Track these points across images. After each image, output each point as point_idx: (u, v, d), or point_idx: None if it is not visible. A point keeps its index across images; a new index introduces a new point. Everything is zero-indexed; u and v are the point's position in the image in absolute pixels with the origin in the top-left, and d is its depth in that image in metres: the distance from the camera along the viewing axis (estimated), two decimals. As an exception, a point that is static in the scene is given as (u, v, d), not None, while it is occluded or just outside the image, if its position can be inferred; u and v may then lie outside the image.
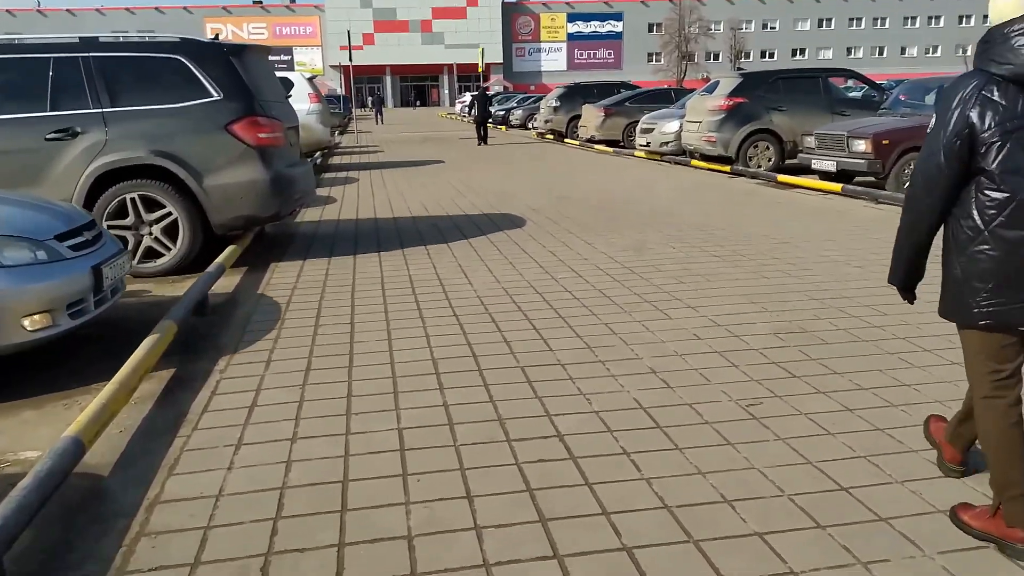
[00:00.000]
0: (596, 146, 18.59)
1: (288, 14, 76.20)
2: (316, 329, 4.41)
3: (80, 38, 5.92)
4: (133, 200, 5.77)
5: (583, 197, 9.92)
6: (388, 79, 74.83)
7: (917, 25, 78.80)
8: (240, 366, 3.85)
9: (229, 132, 5.87)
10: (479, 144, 20.95)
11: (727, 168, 12.08)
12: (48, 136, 5.65)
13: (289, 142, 6.58)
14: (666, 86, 27.81)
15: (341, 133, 29.82)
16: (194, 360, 3.95)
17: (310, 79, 14.63)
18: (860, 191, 8.94)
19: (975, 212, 2.10)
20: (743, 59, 75.19)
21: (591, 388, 3.45)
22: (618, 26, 77.45)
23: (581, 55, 77.53)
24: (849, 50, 77.59)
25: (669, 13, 72.12)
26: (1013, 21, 2.01)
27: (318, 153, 16.73)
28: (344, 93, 32.41)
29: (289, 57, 73.75)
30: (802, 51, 76.79)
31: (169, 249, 5.88)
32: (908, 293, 2.35)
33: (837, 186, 9.29)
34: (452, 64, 62.75)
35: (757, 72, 13.84)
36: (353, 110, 31.69)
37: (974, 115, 2.04)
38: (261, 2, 76.79)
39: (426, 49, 72.40)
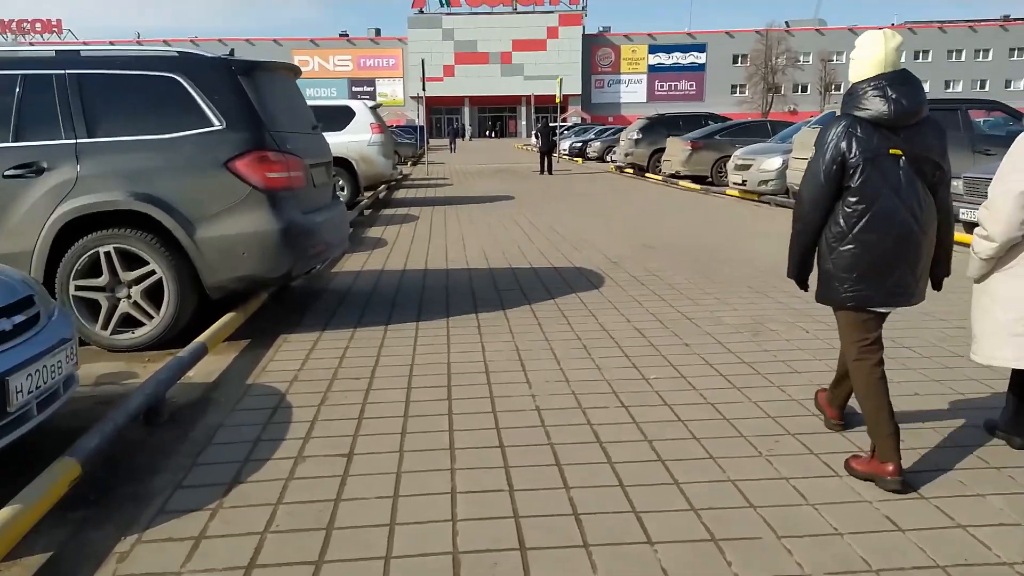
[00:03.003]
0: (681, 182, 16.93)
1: (372, 46, 77.49)
2: (294, 470, 2.99)
3: (57, 51, 4.81)
4: (108, 254, 4.55)
5: (672, 246, 8.34)
6: (467, 110, 74.88)
7: (1022, 57, 73.90)
8: (153, 546, 2.46)
9: (231, 170, 4.61)
10: (542, 173, 21.20)
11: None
12: (7, 172, 4.50)
13: (313, 183, 5.29)
14: (758, 118, 25.99)
15: (413, 164, 29.07)
16: (92, 524, 2.59)
17: (373, 108, 13.56)
18: None
19: (841, 220, 2.76)
20: (833, 91, 72.02)
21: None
22: (701, 57, 75.56)
23: (662, 87, 75.87)
24: (948, 83, 73.36)
25: (755, 44, 69.91)
26: (868, 80, 2.73)
27: (381, 187, 15.70)
28: (423, 124, 31.67)
29: (372, 88, 74.97)
30: (897, 83, 72.72)
31: (151, 317, 4.63)
32: (802, 284, 3.01)
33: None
34: (530, 95, 61.97)
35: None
36: (427, 140, 30.97)
37: (844, 146, 2.71)
38: (348, 35, 78.43)
39: (505, 80, 72.17)
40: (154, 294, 4.62)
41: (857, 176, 2.67)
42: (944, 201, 2.79)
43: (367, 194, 14.20)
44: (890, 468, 2.70)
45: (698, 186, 15.98)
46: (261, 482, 2.88)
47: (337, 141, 12.66)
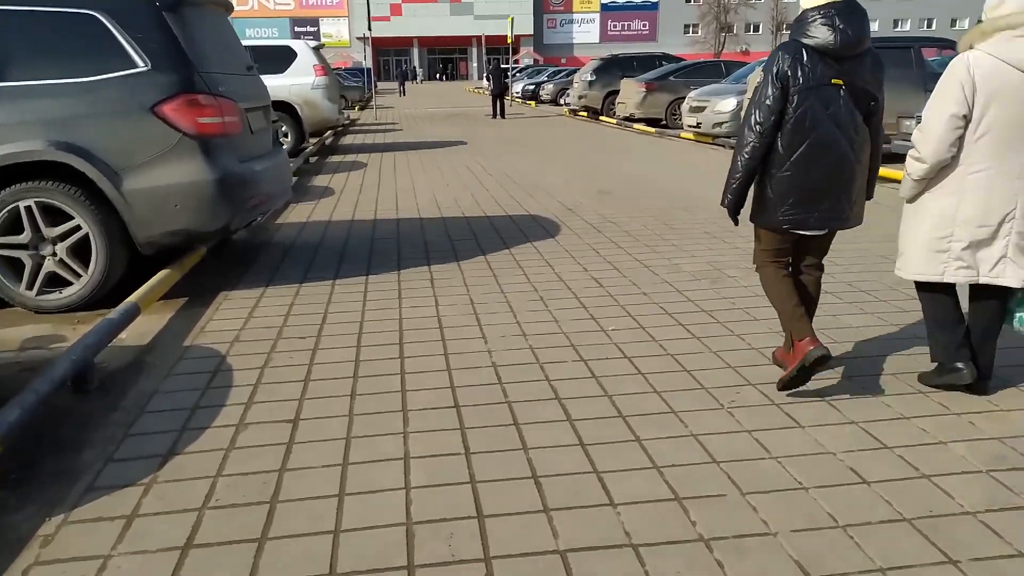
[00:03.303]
0: (636, 125, 16.74)
1: (314, -16, 74.32)
2: (235, 439, 2.81)
3: (-45, -15, 4.35)
4: (29, 209, 4.21)
5: (628, 193, 8.20)
6: (416, 51, 72.77)
7: (970, -5, 74.73)
8: (81, 527, 2.28)
9: (158, 115, 4.27)
10: (494, 117, 20.74)
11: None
12: (-93, 123, 4.11)
13: (251, 129, 4.97)
14: (712, 59, 25.77)
15: (361, 109, 28.22)
16: (12, 506, 2.38)
17: (316, 48, 12.94)
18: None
19: (780, 146, 2.84)
20: (784, 31, 71.94)
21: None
22: (654, -4, 74.44)
23: (615, 27, 74.66)
24: (896, 22, 73.85)
25: (708, -17, 69.07)
26: (817, 7, 2.78)
27: (328, 133, 15.16)
28: (370, 66, 30.58)
29: (316, 28, 72.14)
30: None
31: (79, 276, 4.33)
32: (735, 215, 3.04)
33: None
34: (481, 36, 60.36)
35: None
36: (375, 84, 29.98)
37: (789, 72, 2.77)
38: (287, -29, 75.00)
39: (455, 20, 70.10)
40: (82, 251, 4.32)
41: (798, 104, 2.77)
42: (876, 130, 2.94)
43: (312, 140, 13.69)
44: (807, 341, 2.88)
45: (653, 129, 15.82)
46: (199, 453, 2.70)
47: (278, 84, 12.12)
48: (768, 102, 2.79)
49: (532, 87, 31.28)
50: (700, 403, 3.01)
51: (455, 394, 3.13)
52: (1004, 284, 2.85)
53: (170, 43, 4.37)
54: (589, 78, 20.61)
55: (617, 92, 18.72)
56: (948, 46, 11.12)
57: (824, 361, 2.86)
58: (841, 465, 2.53)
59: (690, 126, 13.79)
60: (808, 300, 3.07)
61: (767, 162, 2.88)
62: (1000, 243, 2.80)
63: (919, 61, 10.19)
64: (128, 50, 4.29)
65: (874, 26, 79.20)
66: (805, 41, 2.77)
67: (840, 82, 2.77)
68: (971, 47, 2.79)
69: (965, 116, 2.74)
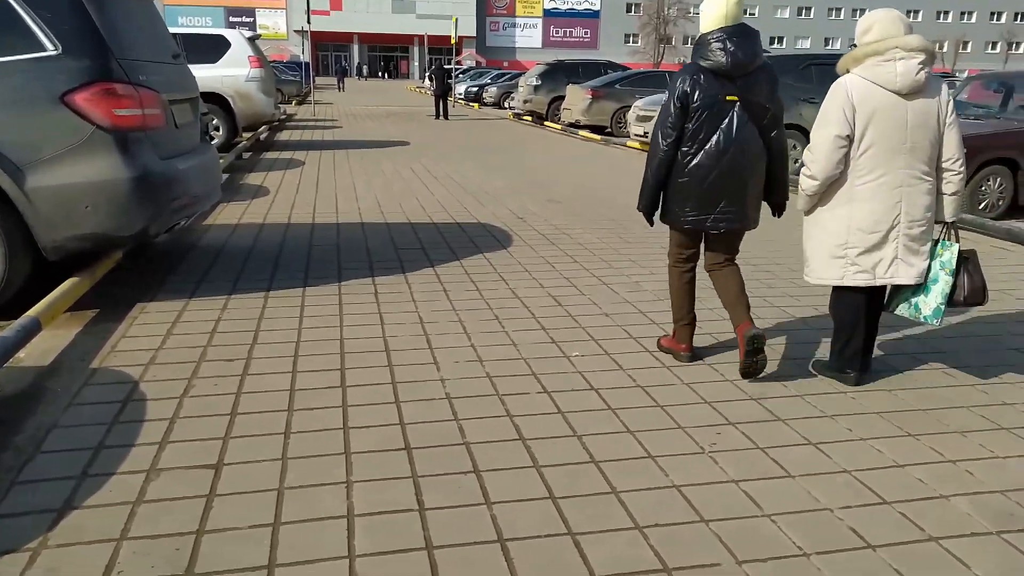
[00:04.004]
0: (581, 132, 16.58)
1: (251, -26, 72.20)
2: (145, 489, 2.38)
3: None
4: (-88, 206, 3.67)
5: (578, 201, 7.95)
6: (356, 47, 71.57)
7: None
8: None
9: (68, 105, 3.78)
10: (437, 118, 20.38)
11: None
12: None
13: (175, 123, 4.48)
14: (655, 69, 25.94)
15: (299, 103, 27.37)
16: None
17: (251, 39, 12.30)
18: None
19: (681, 156, 3.20)
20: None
21: None
22: (596, 4, 75.19)
23: (557, 32, 75.12)
24: (827, 40, 76.46)
25: (649, -6, 70.06)
26: (712, 32, 3.12)
27: (263, 128, 14.50)
28: (309, 60, 29.69)
29: (252, 19, 70.11)
30: (780, 39, 75.29)
31: (-29, 283, 3.79)
32: (650, 217, 3.42)
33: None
34: (423, 35, 59.66)
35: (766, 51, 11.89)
36: (313, 79, 29.16)
37: (689, 90, 3.11)
38: (222, -41, 72.64)
39: (397, 18, 69.24)
40: (-27, 255, 3.78)
41: (696, 118, 3.12)
42: (776, 140, 3.24)
43: (246, 135, 13.04)
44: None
45: (598, 136, 15.68)
46: (101, 507, 2.27)
47: (210, 75, 11.47)
48: (671, 119, 3.15)
49: (475, 89, 30.92)
50: (679, 445, 2.73)
51: (405, 433, 2.77)
52: (899, 283, 3.12)
53: (84, 25, 3.88)
54: (535, 83, 20.41)
55: (563, 98, 18.59)
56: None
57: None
58: (841, 525, 2.28)
59: (637, 135, 13.68)
60: (735, 292, 3.30)
61: (672, 170, 3.24)
62: (891, 247, 3.07)
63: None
64: (35, 31, 3.79)
65: (807, 43, 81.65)
66: (702, 63, 3.13)
67: (734, 98, 3.12)
68: (847, 71, 3.06)
69: (848, 136, 2.99)
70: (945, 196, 3.10)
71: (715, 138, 3.12)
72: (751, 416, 2.98)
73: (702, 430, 2.86)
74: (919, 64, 2.91)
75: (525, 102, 20.90)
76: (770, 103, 3.16)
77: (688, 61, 3.28)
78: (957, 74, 43.79)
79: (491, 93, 28.94)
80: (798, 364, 3.53)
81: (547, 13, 75.01)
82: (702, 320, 3.82)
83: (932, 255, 3.10)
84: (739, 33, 3.09)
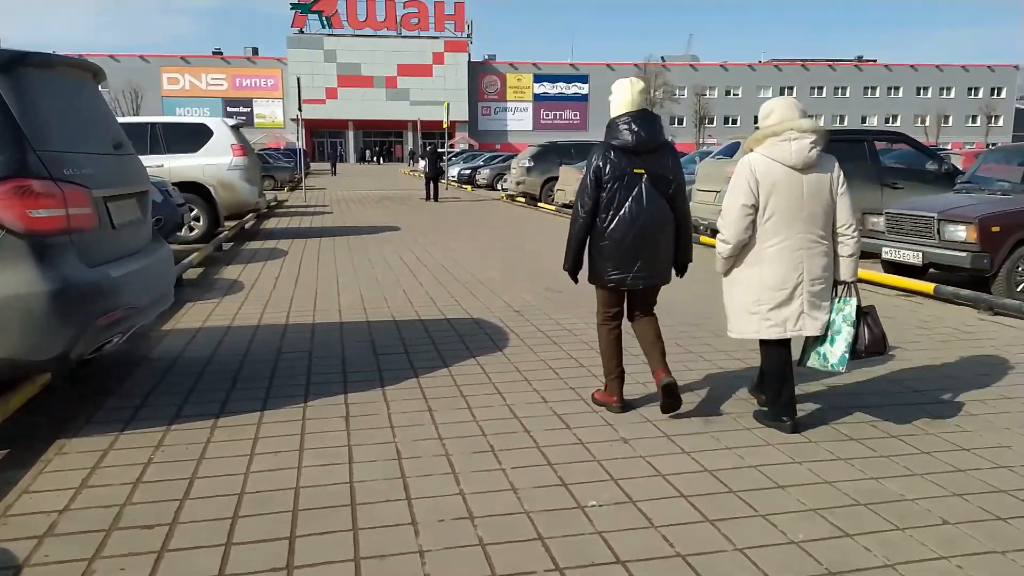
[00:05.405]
0: (577, 213, 16.11)
1: (249, 66, 73.92)
2: None
3: None
4: None
5: (579, 291, 7.25)
6: (351, 133, 72.65)
7: (877, 95, 79.69)
8: None
9: (-27, 205, 3.14)
10: (427, 200, 20.53)
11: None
12: None
13: (111, 223, 3.83)
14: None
15: (291, 190, 27.17)
16: None
17: (235, 127, 11.90)
18: (964, 295, 6.48)
19: (599, 223, 3.61)
20: (707, 124, 74.88)
21: None
22: (584, 88, 76.77)
23: (547, 115, 76.48)
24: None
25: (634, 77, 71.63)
26: (620, 116, 3.62)
27: (249, 216, 14.02)
28: (304, 147, 29.74)
29: (249, 109, 71.38)
30: (765, 118, 76.45)
31: None
32: (575, 275, 3.84)
33: (929, 286, 6.83)
34: (417, 120, 60.60)
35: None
36: (307, 164, 29.12)
37: (602, 164, 3.57)
38: (221, 52, 74.51)
39: (391, 105, 70.58)
40: None
41: (609, 189, 3.55)
42: (680, 207, 3.70)
43: (230, 224, 12.52)
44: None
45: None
46: None
47: (191, 164, 11.03)
48: (587, 190, 3.59)
49: (468, 171, 30.85)
50: (746, 658, 1.97)
51: (368, 647, 2.00)
52: (807, 334, 3.46)
53: None
54: (527, 164, 20.16)
55: (555, 179, 18.24)
56: (900, 140, 10.88)
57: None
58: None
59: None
60: (651, 339, 3.76)
61: (592, 235, 3.66)
62: (797, 302, 3.42)
63: (873, 155, 9.80)
64: (-60, 118, 3.18)
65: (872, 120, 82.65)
66: (613, 142, 3.59)
67: (641, 171, 3.56)
68: (751, 150, 3.47)
69: (754, 205, 3.40)
70: (842, 258, 3.46)
71: (627, 205, 3.55)
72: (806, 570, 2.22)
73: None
74: (811, 143, 3.30)
75: (518, 183, 20.59)
76: (673, 175, 3.63)
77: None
78: (940, 146, 44.28)
79: (484, 175, 28.82)
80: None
81: (537, 97, 76.56)
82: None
83: (833, 309, 3.45)
84: (643, 116, 3.60)
